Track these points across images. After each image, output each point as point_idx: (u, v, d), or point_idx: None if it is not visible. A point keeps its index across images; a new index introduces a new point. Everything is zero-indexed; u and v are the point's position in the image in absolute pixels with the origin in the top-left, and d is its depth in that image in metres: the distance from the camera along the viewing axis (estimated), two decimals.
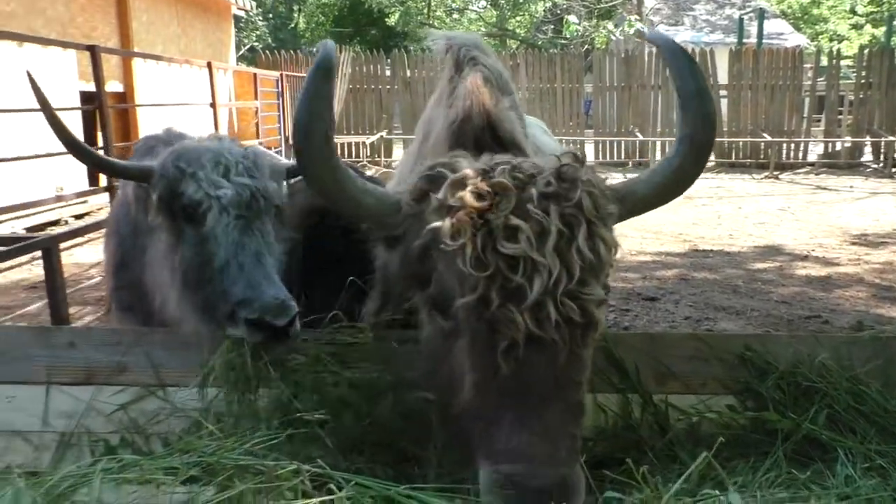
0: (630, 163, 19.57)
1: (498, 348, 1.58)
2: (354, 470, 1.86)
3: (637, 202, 1.95)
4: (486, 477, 1.57)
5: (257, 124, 12.86)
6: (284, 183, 2.72)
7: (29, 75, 2.87)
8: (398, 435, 2.20)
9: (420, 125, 2.84)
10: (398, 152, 19.74)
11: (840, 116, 19.66)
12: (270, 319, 2.12)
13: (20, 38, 7.29)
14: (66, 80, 11.74)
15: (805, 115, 19.49)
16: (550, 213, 1.63)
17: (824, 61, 19.72)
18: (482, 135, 2.14)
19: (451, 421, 1.77)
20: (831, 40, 30.95)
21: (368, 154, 19.01)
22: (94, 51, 6.96)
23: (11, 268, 7.88)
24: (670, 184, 1.99)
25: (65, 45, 8.91)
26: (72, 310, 6.08)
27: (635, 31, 25.41)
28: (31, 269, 8.07)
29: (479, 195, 1.66)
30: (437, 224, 1.68)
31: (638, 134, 19.38)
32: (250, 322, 2.16)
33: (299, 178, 2.77)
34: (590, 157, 19.94)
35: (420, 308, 1.94)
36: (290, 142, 15.06)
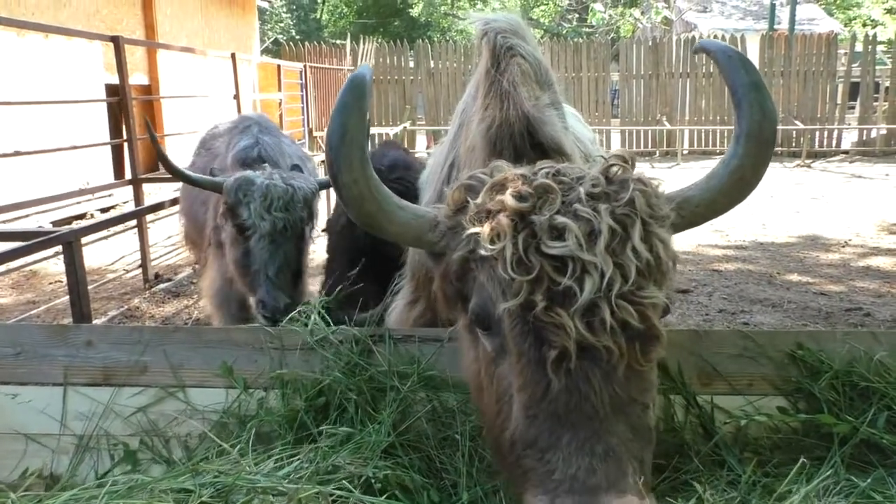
0: (657, 152, 19.27)
1: (548, 360, 1.41)
2: (382, 477, 1.76)
3: (694, 210, 1.76)
4: None
5: (281, 116, 12.80)
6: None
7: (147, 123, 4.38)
8: (426, 441, 2.09)
9: (456, 114, 2.71)
10: (422, 142, 19.63)
11: (875, 103, 19.18)
12: (275, 317, 3.30)
13: (46, 29, 7.28)
14: (92, 72, 11.78)
15: (839, 101, 19.05)
16: (601, 212, 1.48)
17: (859, 47, 19.21)
18: (521, 141, 1.99)
19: (504, 453, 1.57)
20: (865, 25, 30.17)
21: None
22: (117, 41, 6.92)
23: (38, 261, 7.89)
24: (731, 188, 1.77)
25: (89, 36, 8.90)
26: (95, 305, 6.07)
27: (662, 19, 24.95)
28: (58, 262, 8.09)
29: (520, 197, 1.52)
30: (475, 229, 1.54)
31: (665, 122, 19.07)
32: (264, 315, 3.46)
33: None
34: (615, 146, 19.70)
35: (462, 332, 1.79)
36: (313, 133, 15.08)
